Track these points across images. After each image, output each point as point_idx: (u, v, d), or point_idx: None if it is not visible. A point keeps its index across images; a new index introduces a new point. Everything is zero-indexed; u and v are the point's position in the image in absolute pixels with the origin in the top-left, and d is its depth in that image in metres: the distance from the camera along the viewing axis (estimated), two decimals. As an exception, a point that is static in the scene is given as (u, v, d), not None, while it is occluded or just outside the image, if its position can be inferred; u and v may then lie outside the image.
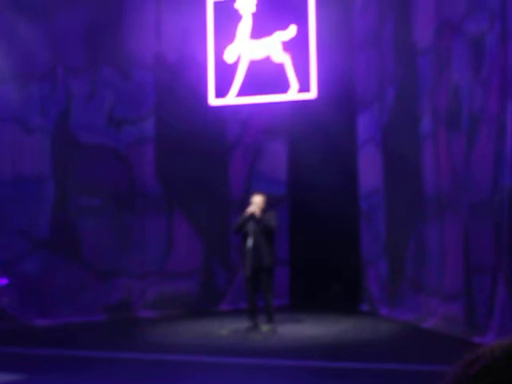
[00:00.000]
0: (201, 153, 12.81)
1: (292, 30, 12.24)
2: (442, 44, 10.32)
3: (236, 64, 12.57)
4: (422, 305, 11.11)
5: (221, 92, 12.58)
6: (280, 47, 12.32)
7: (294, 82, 12.18)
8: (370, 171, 12.42)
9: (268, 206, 10.96)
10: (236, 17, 12.63)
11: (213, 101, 12.59)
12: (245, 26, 12.57)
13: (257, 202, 10.81)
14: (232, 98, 12.56)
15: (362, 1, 12.38)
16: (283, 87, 12.29)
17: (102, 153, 12.36)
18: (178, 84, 12.72)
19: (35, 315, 11.76)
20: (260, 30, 12.50)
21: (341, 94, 12.60)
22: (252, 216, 10.62)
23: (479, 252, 9.56)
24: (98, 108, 12.36)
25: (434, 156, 10.63)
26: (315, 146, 12.73)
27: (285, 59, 12.27)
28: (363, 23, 12.34)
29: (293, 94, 12.26)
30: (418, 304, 11.18)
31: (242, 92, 12.51)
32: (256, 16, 12.58)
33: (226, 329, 11.05)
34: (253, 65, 12.52)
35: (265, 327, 10.78)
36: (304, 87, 12.17)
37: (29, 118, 11.90)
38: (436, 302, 10.70)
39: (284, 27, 12.30)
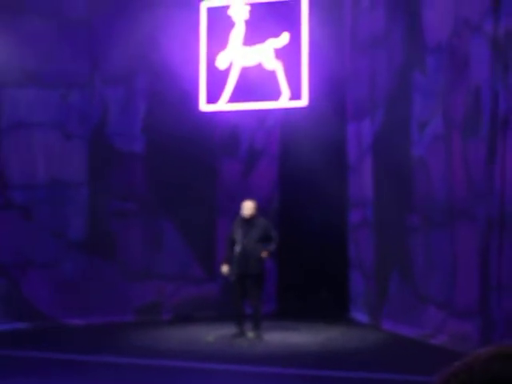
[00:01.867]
0: (190, 158, 12.83)
1: (284, 38, 12.19)
2: (458, 43, 9.74)
3: (228, 70, 12.53)
4: (428, 319, 10.47)
5: (212, 98, 12.52)
6: (272, 54, 12.27)
7: (285, 90, 12.14)
8: (361, 180, 12.43)
9: (259, 213, 10.99)
10: (229, 23, 12.60)
11: (204, 107, 12.56)
12: (237, 32, 12.53)
13: (247, 207, 10.83)
14: (223, 104, 12.52)
15: (369, 0, 12.06)
16: (274, 94, 12.23)
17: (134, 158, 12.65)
18: (169, 89, 12.70)
19: (70, 315, 11.98)
20: (252, 36, 12.45)
21: (332, 103, 12.59)
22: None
23: (501, 267, 8.92)
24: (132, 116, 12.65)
25: (447, 161, 10.01)
26: (305, 154, 12.69)
27: (277, 66, 12.23)
28: (370, 23, 11.94)
29: (284, 102, 12.22)
30: (425, 318, 10.55)
31: (233, 98, 12.47)
32: (249, 23, 12.55)
33: (213, 335, 10.98)
34: (245, 71, 12.50)
35: (251, 334, 10.67)
36: (295, 95, 12.14)
37: (67, 125, 12.30)
38: (444, 316, 10.09)
39: (276, 34, 12.26)
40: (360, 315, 12.13)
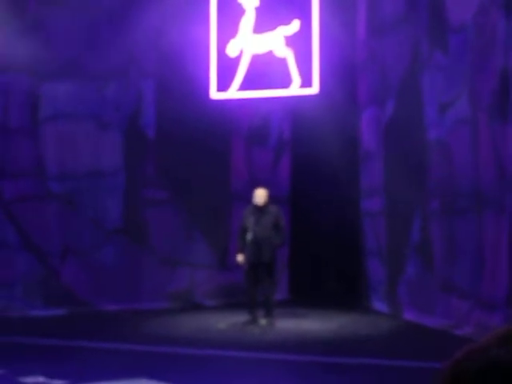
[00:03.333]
0: (203, 146, 12.80)
1: (295, 25, 12.10)
2: (484, 22, 9.32)
3: (238, 58, 12.48)
4: (452, 309, 10.11)
5: (222, 86, 12.44)
6: (283, 42, 12.21)
7: (296, 77, 12.08)
8: (371, 169, 12.25)
9: (271, 200, 10.90)
10: (239, 11, 12.53)
11: (214, 94, 12.52)
12: (248, 20, 12.47)
13: (259, 195, 10.74)
14: (233, 92, 12.48)
15: None
16: (285, 82, 12.13)
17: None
18: (180, 77, 12.66)
19: (107, 301, 12.18)
20: (263, 24, 12.36)
21: (344, 90, 12.49)
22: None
23: None
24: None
25: (472, 145, 9.58)
26: (316, 143, 12.61)
27: (287, 54, 12.15)
28: (390, 4, 11.56)
29: (295, 89, 12.16)
30: (448, 308, 10.20)
31: (243, 86, 12.41)
32: (259, 10, 12.49)
33: (224, 322, 10.94)
34: (255, 59, 12.44)
35: (263, 321, 10.60)
36: (306, 82, 12.08)
37: (104, 115, 12.55)
38: (469, 306, 9.70)
39: (287, 22, 12.20)
40: (380, 304, 11.88)
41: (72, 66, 12.38)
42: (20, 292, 12.08)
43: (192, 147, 12.67)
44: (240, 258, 10.60)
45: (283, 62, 12.11)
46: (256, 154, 13.39)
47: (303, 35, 12.00)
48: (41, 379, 7.81)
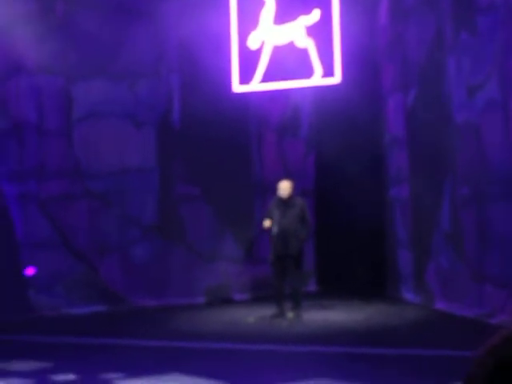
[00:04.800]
0: (226, 140, 12.74)
1: (315, 15, 11.99)
2: None
3: (260, 50, 12.40)
4: (486, 298, 9.80)
5: (245, 78, 12.34)
6: (303, 32, 12.11)
7: (317, 67, 11.95)
8: (397, 157, 12.05)
9: (296, 192, 10.79)
10: (259, 3, 12.47)
11: (237, 87, 12.47)
12: (268, 11, 12.39)
13: (284, 187, 10.69)
14: (256, 84, 12.41)
15: None
16: (307, 72, 12.01)
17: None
18: (202, 70, 12.64)
19: (145, 297, 12.30)
20: (283, 15, 12.22)
21: (366, 78, 12.36)
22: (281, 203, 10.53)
23: None
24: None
25: (504, 129, 9.22)
26: (341, 132, 12.45)
27: (308, 44, 12.04)
28: None
29: (317, 79, 12.05)
30: (481, 297, 9.89)
31: (266, 78, 12.34)
32: (279, 1, 12.41)
33: (253, 316, 10.86)
34: (276, 50, 12.35)
35: (291, 314, 10.42)
36: (328, 72, 11.93)
37: (137, 113, 12.59)
38: (504, 295, 9.38)
39: (307, 12, 12.10)
40: (409, 295, 11.63)
41: (102, 65, 12.35)
42: (60, 290, 12.06)
43: (216, 141, 12.60)
44: (267, 223, 10.39)
45: (304, 52, 12.01)
46: (287, 146, 13.32)
47: (324, 24, 11.85)
48: (71, 377, 7.85)
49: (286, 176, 11.20)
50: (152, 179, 12.69)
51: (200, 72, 12.51)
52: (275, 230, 10.30)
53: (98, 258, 12.35)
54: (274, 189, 11.27)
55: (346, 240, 12.52)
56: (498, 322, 9.23)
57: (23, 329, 10.56)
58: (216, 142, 12.60)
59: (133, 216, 12.54)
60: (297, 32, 11.97)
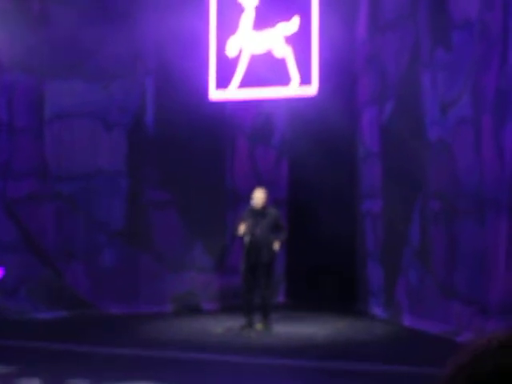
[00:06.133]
0: (200, 146, 12.67)
1: (294, 23, 11.98)
2: (490, 18, 8.98)
3: (237, 56, 12.36)
4: (452, 315, 9.78)
5: (222, 84, 12.28)
6: (282, 40, 12.08)
7: (295, 76, 11.93)
8: (371, 170, 12.00)
9: (269, 202, 10.74)
10: (239, 9, 12.42)
11: (213, 93, 12.40)
12: (247, 18, 12.35)
13: (258, 197, 10.56)
14: (233, 91, 12.35)
15: None
16: (284, 80, 11.96)
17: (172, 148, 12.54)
18: (179, 74, 12.55)
19: (110, 303, 12.16)
20: (262, 22, 12.18)
21: (343, 90, 12.33)
22: (254, 212, 10.47)
23: None
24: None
25: (475, 146, 9.21)
26: (315, 143, 12.38)
27: (287, 52, 12.02)
28: (394, 2, 11.29)
29: (294, 88, 12.03)
30: (449, 314, 9.86)
31: (242, 84, 12.28)
32: (259, 8, 12.36)
33: (222, 326, 10.76)
34: (254, 57, 12.31)
35: (260, 325, 10.40)
36: (305, 81, 11.91)
37: (109, 115, 12.42)
38: (470, 312, 9.36)
39: (287, 20, 12.07)
40: (379, 310, 11.62)
41: (76, 65, 12.22)
42: (25, 294, 11.92)
43: (190, 147, 12.53)
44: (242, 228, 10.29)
45: (282, 60, 11.99)
46: (259, 154, 13.24)
47: (303, 33, 11.84)
48: (36, 382, 7.78)
49: (259, 185, 11.13)
50: (121, 183, 12.53)
51: (176, 76, 12.44)
52: (247, 239, 10.25)
53: (65, 263, 12.19)
54: (246, 197, 11.23)
55: (318, 252, 12.46)
56: (463, 340, 9.24)
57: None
58: (190, 147, 12.52)
59: (100, 221, 12.37)
60: (275, 40, 11.96)
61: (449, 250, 9.89)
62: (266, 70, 11.98)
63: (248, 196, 10.86)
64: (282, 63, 11.95)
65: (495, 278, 8.85)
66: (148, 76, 12.66)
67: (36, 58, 11.87)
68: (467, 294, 9.52)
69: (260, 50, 12.09)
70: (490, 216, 9.02)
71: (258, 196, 10.51)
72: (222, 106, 12.56)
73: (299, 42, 11.85)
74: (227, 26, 12.25)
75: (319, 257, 12.40)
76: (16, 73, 11.98)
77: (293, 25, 11.86)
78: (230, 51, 12.16)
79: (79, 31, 12.11)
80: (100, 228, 12.37)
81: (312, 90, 11.72)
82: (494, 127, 8.94)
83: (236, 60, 12.18)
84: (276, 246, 10.33)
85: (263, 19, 12.13)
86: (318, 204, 12.37)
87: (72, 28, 12.09)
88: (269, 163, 13.24)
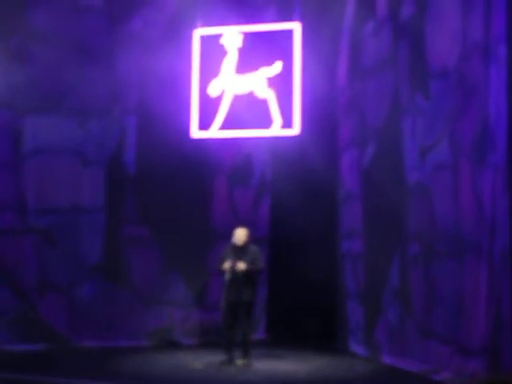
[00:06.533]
0: (184, 184, 12.85)
1: (277, 67, 12.28)
2: (467, 68, 9.31)
3: (220, 98, 12.62)
4: (431, 354, 9.94)
5: (204, 125, 12.48)
6: (264, 83, 12.36)
7: (277, 118, 12.20)
8: (351, 211, 12.20)
9: (251, 240, 10.87)
10: (222, 51, 12.70)
11: (195, 133, 12.61)
12: (230, 60, 12.62)
13: (239, 235, 10.76)
14: (215, 132, 12.58)
15: (373, 24, 11.79)
16: (266, 122, 12.18)
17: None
18: (160, 114, 12.77)
19: (85, 337, 12.21)
20: (245, 65, 12.49)
21: (324, 132, 12.62)
22: (235, 250, 10.62)
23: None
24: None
25: (453, 190, 9.50)
26: (296, 184, 12.67)
27: (269, 95, 12.30)
28: (375, 48, 11.68)
29: (275, 130, 12.30)
30: (427, 353, 10.04)
31: (224, 126, 12.53)
32: (242, 51, 12.65)
33: (201, 361, 10.87)
34: (236, 99, 12.58)
35: (240, 361, 10.53)
36: (287, 123, 12.17)
37: (86, 152, 12.56)
38: (449, 352, 9.53)
39: (269, 63, 12.37)
40: (358, 348, 11.78)
41: (54, 101, 12.41)
42: (1, 326, 11.99)
43: (172, 186, 12.74)
44: (226, 264, 10.44)
45: (264, 102, 12.25)
46: (238, 194, 13.43)
47: (285, 77, 12.12)
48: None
49: (238, 223, 11.30)
50: (99, 219, 12.66)
51: (158, 115, 12.68)
52: (228, 276, 10.38)
53: (40, 296, 12.27)
54: (225, 235, 11.36)
55: (298, 290, 12.63)
56: (441, 379, 9.42)
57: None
58: (170, 185, 12.73)
59: (77, 255, 12.48)
60: (258, 82, 12.21)
61: (427, 290, 10.09)
62: (248, 112, 12.22)
63: (226, 234, 11.00)
64: (264, 106, 12.19)
65: (475, 319, 9.01)
66: (128, 114, 12.85)
67: (13, 93, 12.00)
68: (445, 334, 9.69)
69: (242, 92, 12.35)
70: (468, 258, 9.23)
71: (240, 233, 10.68)
72: (204, 145, 12.76)
73: (281, 85, 12.12)
74: (210, 68, 12.49)
75: (300, 294, 12.56)
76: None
77: (275, 69, 12.14)
78: (213, 92, 12.40)
79: (57, 69, 12.31)
80: (77, 262, 12.45)
81: (293, 132, 11.97)
82: (471, 171, 9.20)
83: (218, 101, 12.41)
84: (241, 266, 10.35)
85: (246, 63, 12.40)
86: (299, 243, 12.58)
87: (51, 65, 12.28)
88: (248, 203, 13.41)
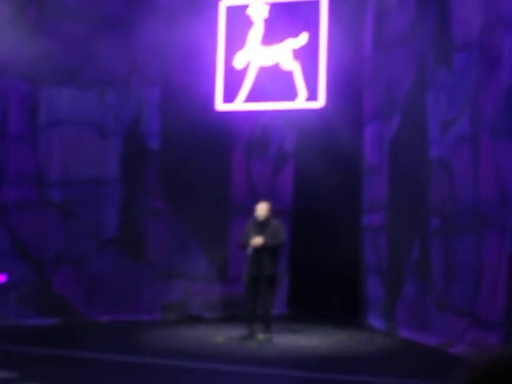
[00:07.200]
0: (206, 157, 12.79)
1: (303, 38, 12.16)
2: (490, 41, 9.20)
3: (245, 70, 12.52)
4: (447, 327, 10.00)
5: (229, 97, 12.47)
6: (290, 55, 12.25)
7: (302, 90, 12.09)
8: (375, 183, 12.25)
9: (273, 214, 10.85)
10: (248, 22, 12.58)
11: (220, 106, 12.55)
12: (256, 32, 12.50)
13: (261, 209, 10.75)
14: (239, 104, 12.50)
15: None
16: (291, 95, 12.14)
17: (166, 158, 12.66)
18: (186, 87, 12.69)
19: (100, 311, 12.16)
20: (271, 36, 12.40)
21: (349, 104, 12.49)
22: (258, 225, 10.57)
23: None
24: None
25: (473, 163, 9.49)
26: (320, 156, 12.60)
27: (294, 67, 12.17)
28: (398, 20, 11.51)
29: (300, 102, 12.19)
30: (444, 326, 10.08)
31: (249, 98, 12.45)
32: (267, 22, 12.53)
33: (222, 335, 10.91)
34: (262, 71, 12.48)
35: (261, 336, 10.51)
36: (312, 96, 12.08)
37: (104, 123, 12.49)
38: (464, 324, 9.58)
39: (295, 34, 12.24)
40: (377, 321, 11.79)
41: (72, 72, 12.31)
42: (12, 300, 11.94)
43: (194, 158, 12.65)
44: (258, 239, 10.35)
45: (290, 74, 12.13)
46: (256, 166, 13.30)
47: (310, 49, 12.01)
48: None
49: (257, 196, 11.24)
50: (116, 191, 12.58)
51: (182, 87, 12.60)
52: (250, 250, 10.34)
53: (54, 269, 12.17)
54: (244, 207, 11.29)
55: (321, 264, 12.56)
56: (456, 352, 9.41)
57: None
58: (191, 159, 12.62)
59: (94, 227, 12.42)
60: (283, 54, 12.09)
61: (447, 265, 10.09)
62: (274, 84, 12.11)
63: (245, 206, 10.93)
64: (289, 78, 12.08)
65: (494, 292, 8.98)
66: (148, 86, 12.73)
67: (31, 65, 11.85)
68: (463, 308, 9.69)
69: (268, 64, 12.23)
70: (487, 232, 9.21)
71: (262, 208, 10.62)
72: (228, 118, 12.68)
73: (307, 57, 11.99)
74: (236, 39, 12.39)
75: (322, 268, 12.51)
76: (10, 80, 12.03)
77: (301, 40, 12.00)
78: (238, 64, 12.30)
79: (76, 40, 12.20)
80: (94, 235, 12.41)
81: (318, 105, 11.86)
82: (491, 145, 9.14)
83: (244, 74, 12.31)
84: (258, 241, 10.27)
85: (272, 34, 12.27)
86: (322, 215, 12.50)
87: (69, 36, 12.19)
88: (266, 174, 13.26)
